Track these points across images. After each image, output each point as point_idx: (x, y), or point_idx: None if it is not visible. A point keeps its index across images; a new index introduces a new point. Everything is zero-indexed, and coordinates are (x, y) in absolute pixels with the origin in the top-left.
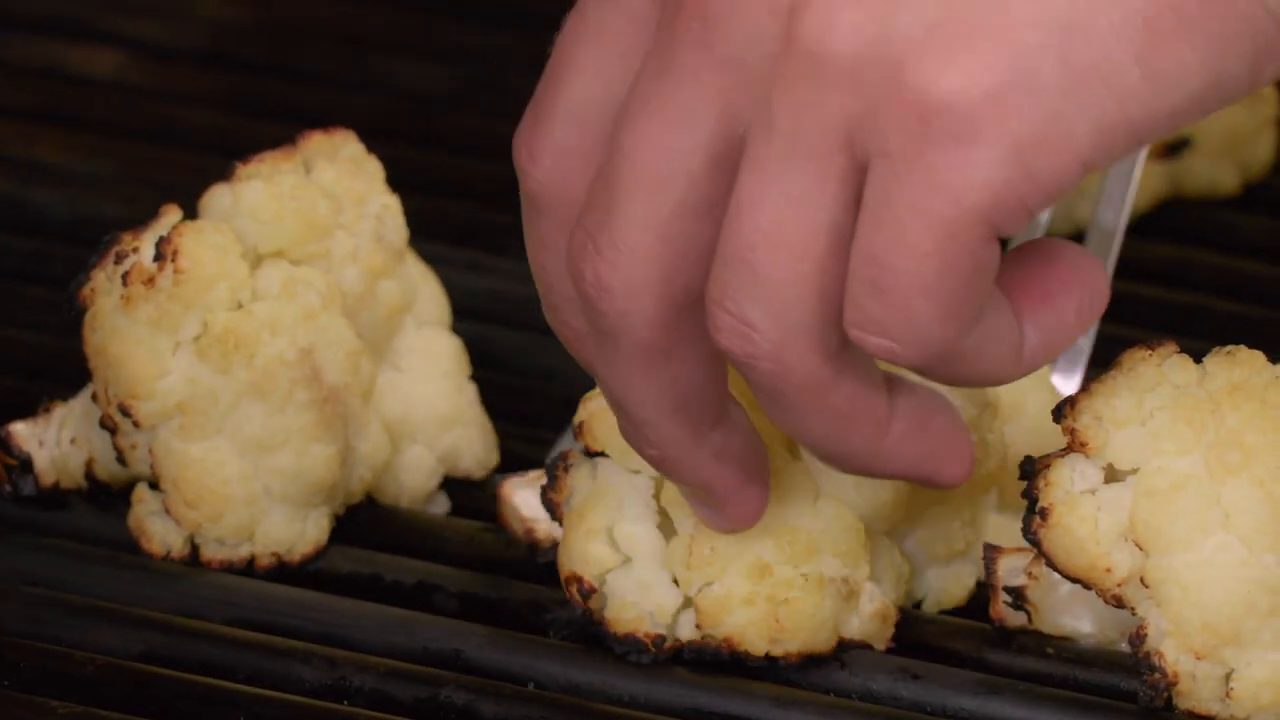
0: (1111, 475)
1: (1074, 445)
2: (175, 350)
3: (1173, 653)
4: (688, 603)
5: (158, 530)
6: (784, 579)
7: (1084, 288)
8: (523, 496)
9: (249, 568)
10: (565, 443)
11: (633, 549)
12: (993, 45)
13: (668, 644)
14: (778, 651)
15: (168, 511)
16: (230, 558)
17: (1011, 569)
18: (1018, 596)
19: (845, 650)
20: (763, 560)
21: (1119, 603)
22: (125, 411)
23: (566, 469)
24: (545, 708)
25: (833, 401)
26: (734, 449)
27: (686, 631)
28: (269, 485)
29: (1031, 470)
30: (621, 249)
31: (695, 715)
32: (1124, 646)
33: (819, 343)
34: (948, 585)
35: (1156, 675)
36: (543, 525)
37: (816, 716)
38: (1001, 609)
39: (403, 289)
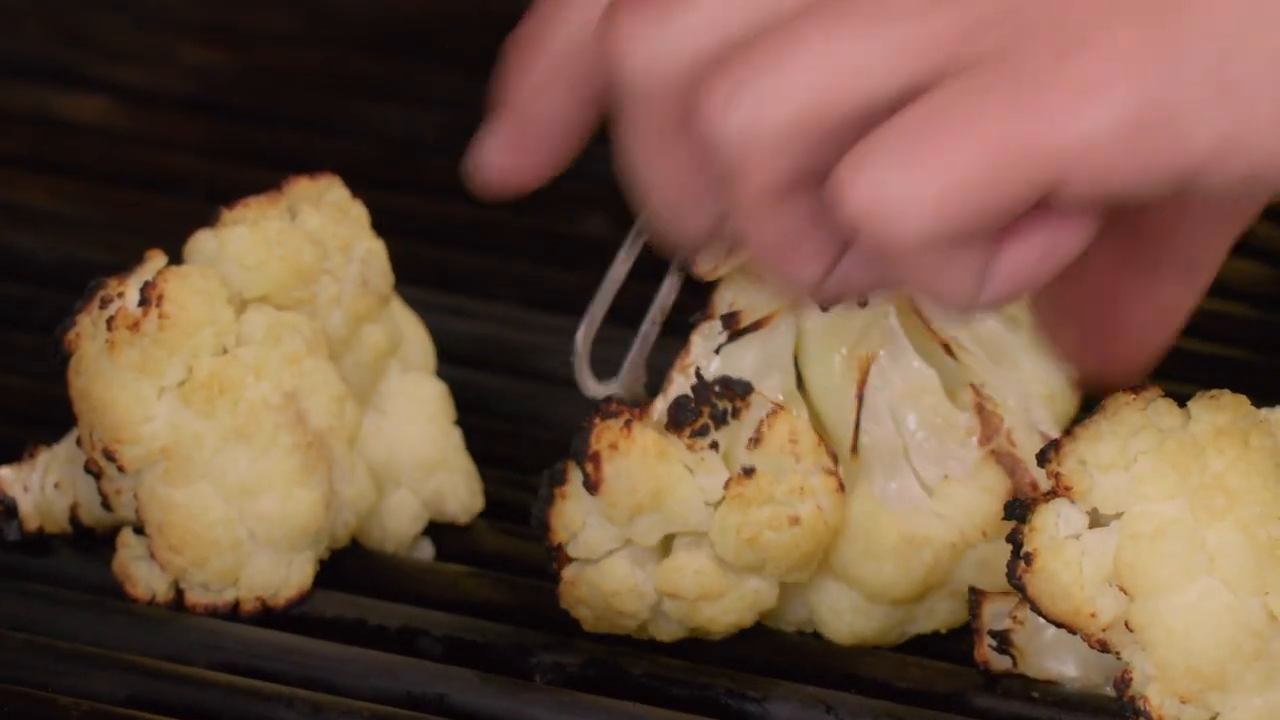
0: (1096, 520)
1: (1059, 489)
2: (160, 395)
3: (1157, 697)
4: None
5: (142, 575)
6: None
7: (1053, 227)
8: None
9: (233, 612)
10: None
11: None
12: (1155, 26)
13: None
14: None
15: (152, 556)
16: (215, 602)
17: (996, 613)
18: (1003, 641)
19: (833, 696)
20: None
21: (1104, 647)
22: (110, 456)
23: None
24: None
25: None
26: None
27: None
28: (253, 530)
29: (1022, 514)
30: (766, 98)
31: None
32: (1109, 690)
33: (787, 160)
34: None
35: (1141, 719)
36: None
37: None
38: (986, 653)
39: (388, 334)
